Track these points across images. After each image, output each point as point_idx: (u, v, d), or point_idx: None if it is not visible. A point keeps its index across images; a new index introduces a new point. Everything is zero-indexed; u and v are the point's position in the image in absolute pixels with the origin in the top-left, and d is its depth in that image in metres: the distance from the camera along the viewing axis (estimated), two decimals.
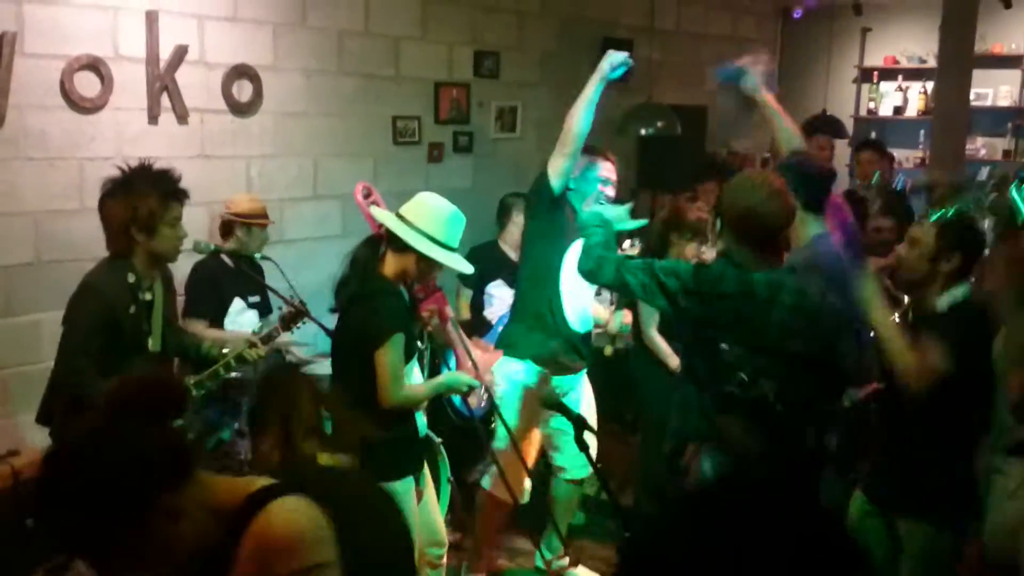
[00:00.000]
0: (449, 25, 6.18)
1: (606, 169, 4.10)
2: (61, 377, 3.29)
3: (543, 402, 2.89)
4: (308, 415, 2.46)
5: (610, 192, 4.09)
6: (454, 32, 6.22)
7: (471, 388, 3.59)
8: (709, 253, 5.19)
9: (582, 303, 4.15)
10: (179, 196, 3.46)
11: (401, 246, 3.27)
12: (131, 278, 3.34)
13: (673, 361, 4.39)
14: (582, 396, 4.27)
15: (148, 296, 3.41)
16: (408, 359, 3.28)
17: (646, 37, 7.21)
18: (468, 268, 3.51)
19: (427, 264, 3.29)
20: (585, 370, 4.28)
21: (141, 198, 3.32)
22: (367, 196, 3.95)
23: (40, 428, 3.47)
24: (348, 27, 5.63)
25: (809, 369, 2.94)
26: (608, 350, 5.11)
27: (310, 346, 4.57)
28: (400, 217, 3.31)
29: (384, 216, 3.37)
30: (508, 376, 4.03)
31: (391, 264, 3.30)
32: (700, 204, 4.87)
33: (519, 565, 4.55)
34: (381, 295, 3.27)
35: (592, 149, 4.11)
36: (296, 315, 3.87)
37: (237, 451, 4.29)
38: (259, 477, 1.77)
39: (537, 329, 4.05)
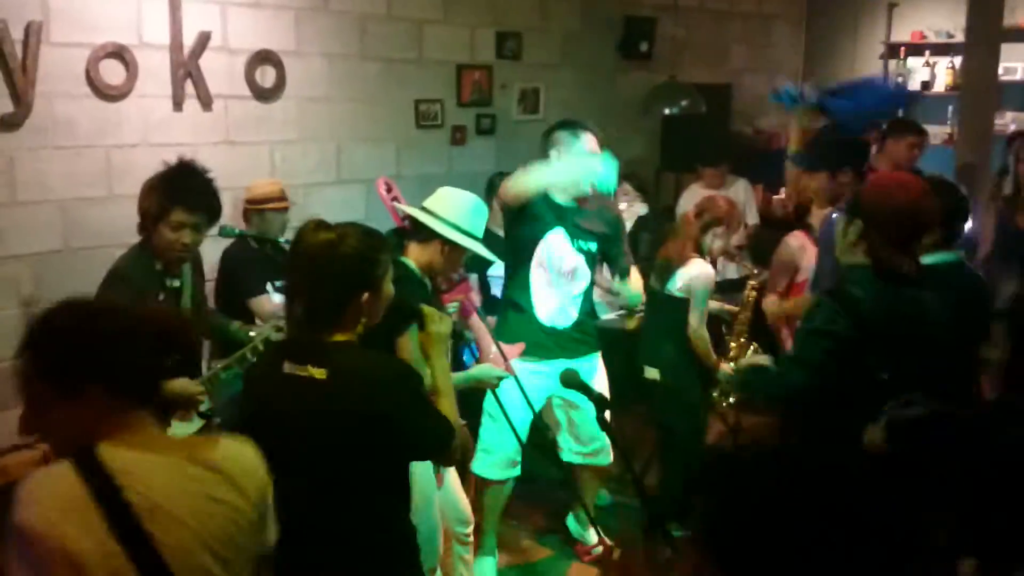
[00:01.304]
0: (471, 7, 6.16)
1: (589, 142, 3.99)
2: None
3: (563, 381, 2.88)
4: None
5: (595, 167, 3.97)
6: (476, 14, 6.21)
7: (500, 380, 3.61)
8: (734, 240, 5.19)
9: (558, 299, 4.07)
10: (188, 203, 3.42)
11: (426, 236, 3.28)
12: (158, 265, 3.37)
13: (712, 359, 4.40)
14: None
15: (176, 283, 3.44)
16: None
17: (670, 15, 7.16)
18: (492, 256, 3.52)
19: (453, 252, 3.30)
20: (586, 357, 4.20)
21: (149, 194, 3.40)
22: (388, 191, 3.96)
23: None
24: (370, 11, 5.64)
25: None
26: (631, 323, 5.09)
27: None
28: (424, 209, 3.33)
29: (409, 209, 3.40)
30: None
31: (416, 255, 3.31)
32: (727, 196, 4.84)
33: (544, 546, 4.58)
34: (403, 282, 3.28)
35: (573, 123, 4.04)
36: None
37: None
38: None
39: (512, 321, 4.06)
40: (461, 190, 3.46)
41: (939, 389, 2.78)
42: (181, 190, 3.41)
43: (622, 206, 4.93)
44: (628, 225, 5.72)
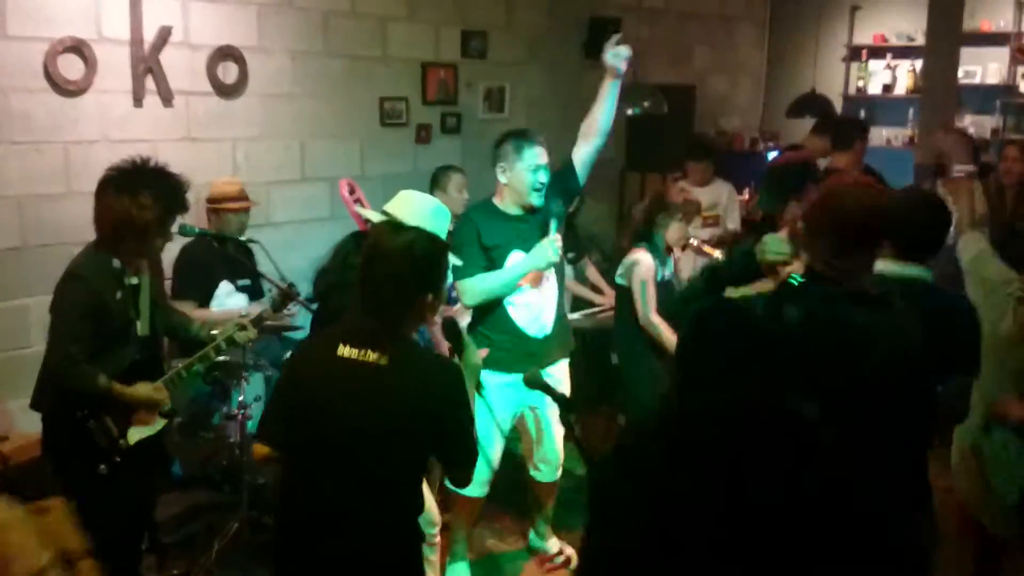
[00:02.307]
0: (436, 5, 6.14)
1: (540, 155, 3.88)
2: (52, 365, 3.28)
3: (526, 381, 2.86)
4: None
5: (543, 178, 3.87)
6: (441, 12, 6.18)
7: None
8: (701, 233, 5.20)
9: (530, 311, 3.98)
10: (182, 211, 3.39)
11: None
12: (116, 263, 3.31)
13: (673, 342, 4.37)
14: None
15: (134, 280, 3.39)
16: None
17: (634, 15, 7.18)
18: (456, 260, 3.49)
19: None
20: (555, 363, 4.13)
21: (143, 208, 3.22)
22: (351, 192, 3.93)
23: (32, 413, 3.46)
24: (334, 7, 5.60)
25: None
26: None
27: (302, 329, 4.58)
28: (385, 213, 3.30)
29: (369, 213, 3.36)
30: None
31: None
32: (683, 184, 4.86)
33: (510, 546, 4.57)
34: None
35: (521, 135, 3.94)
36: (286, 298, 3.86)
37: (227, 434, 4.30)
38: None
39: (489, 339, 3.97)
40: (422, 193, 3.43)
41: (877, 437, 2.46)
42: (177, 200, 3.33)
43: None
44: (590, 222, 5.77)
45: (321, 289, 3.46)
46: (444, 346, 3.77)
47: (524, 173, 3.85)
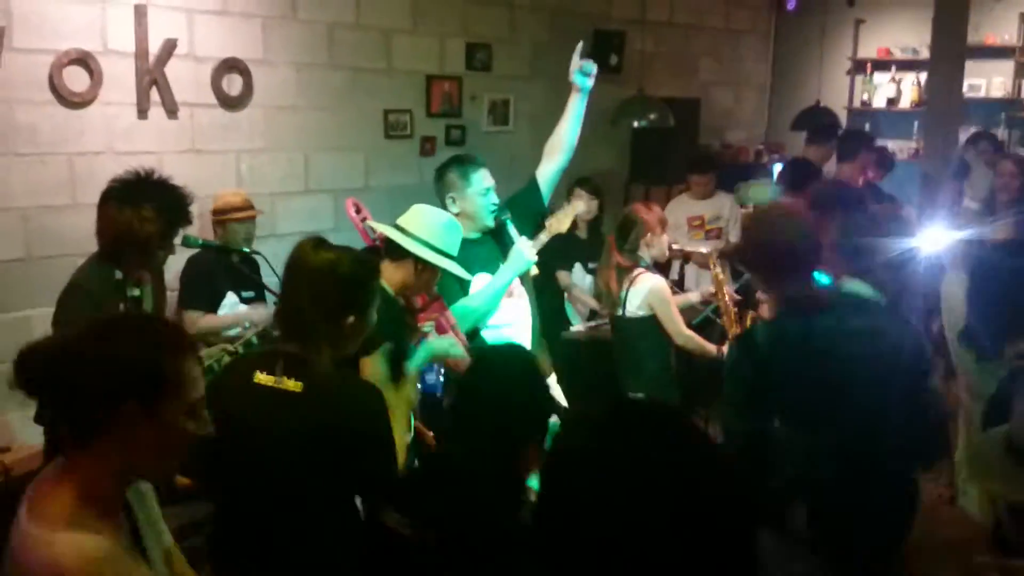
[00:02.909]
0: (440, 17, 6.15)
1: (486, 177, 3.84)
2: None
3: None
4: None
5: (494, 199, 3.84)
6: (445, 24, 6.20)
7: (456, 353, 3.36)
8: (701, 246, 5.17)
9: (512, 331, 3.89)
10: (185, 224, 3.39)
11: (400, 255, 3.23)
12: (118, 275, 3.30)
13: (710, 350, 4.35)
14: None
15: (136, 292, 3.38)
16: (396, 368, 3.23)
17: (638, 29, 7.19)
18: (467, 275, 3.47)
19: (427, 271, 3.25)
20: None
21: (145, 222, 3.21)
22: (358, 212, 3.92)
23: (34, 426, 3.44)
24: (338, 20, 5.61)
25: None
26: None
27: None
28: (397, 227, 3.29)
29: (381, 227, 3.35)
30: None
31: (389, 274, 3.24)
32: (652, 204, 4.81)
33: None
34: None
35: (462, 161, 3.89)
36: None
37: None
38: None
39: None
40: (435, 208, 3.42)
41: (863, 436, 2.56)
42: (181, 213, 3.33)
43: (580, 208, 4.83)
44: (583, 228, 5.75)
45: None
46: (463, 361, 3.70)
47: (475, 197, 3.79)
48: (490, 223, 3.84)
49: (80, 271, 3.35)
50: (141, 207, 3.21)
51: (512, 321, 3.95)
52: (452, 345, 3.34)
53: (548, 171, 3.98)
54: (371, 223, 3.49)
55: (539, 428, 2.33)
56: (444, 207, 3.78)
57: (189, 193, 3.37)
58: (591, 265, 5.48)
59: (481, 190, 3.80)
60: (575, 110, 3.94)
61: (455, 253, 3.31)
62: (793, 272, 2.71)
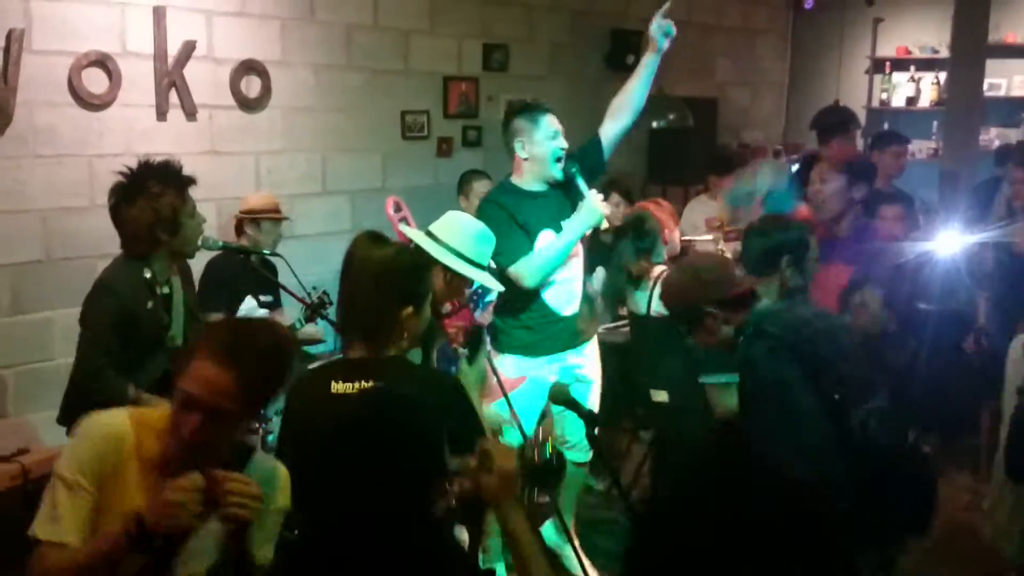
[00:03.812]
0: (458, 18, 6.15)
1: (555, 122, 3.83)
2: (80, 378, 3.28)
3: (552, 397, 2.83)
4: None
5: (563, 143, 3.82)
6: (463, 25, 6.19)
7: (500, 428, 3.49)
8: (723, 247, 5.13)
9: (560, 288, 3.92)
10: (190, 184, 3.42)
11: (429, 261, 3.23)
12: (147, 273, 3.31)
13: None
14: (587, 368, 4.09)
15: (166, 290, 3.39)
16: None
17: None
18: (498, 286, 3.45)
19: (456, 279, 3.22)
20: (586, 343, 4.07)
21: (159, 198, 3.26)
22: (398, 211, 3.91)
23: (54, 426, 3.46)
24: (356, 21, 5.61)
25: None
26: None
27: (325, 343, 4.59)
28: (429, 234, 3.27)
29: (413, 233, 3.34)
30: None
31: None
32: (659, 200, 4.77)
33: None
34: None
35: (529, 107, 3.85)
36: (315, 310, 3.90)
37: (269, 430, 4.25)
38: None
39: (520, 321, 3.90)
40: (469, 216, 3.39)
41: None
42: (179, 177, 3.36)
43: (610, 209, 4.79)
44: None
45: None
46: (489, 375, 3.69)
47: (544, 142, 3.79)
48: (556, 173, 3.81)
49: (108, 271, 3.37)
50: (147, 191, 3.25)
51: (573, 277, 3.96)
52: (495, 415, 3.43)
53: (612, 131, 3.94)
54: (404, 228, 3.47)
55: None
56: (512, 153, 3.83)
57: (176, 159, 3.43)
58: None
59: (550, 133, 3.79)
60: (647, 70, 3.89)
61: (486, 263, 3.29)
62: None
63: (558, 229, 3.84)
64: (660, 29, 3.84)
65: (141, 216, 3.26)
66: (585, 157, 3.91)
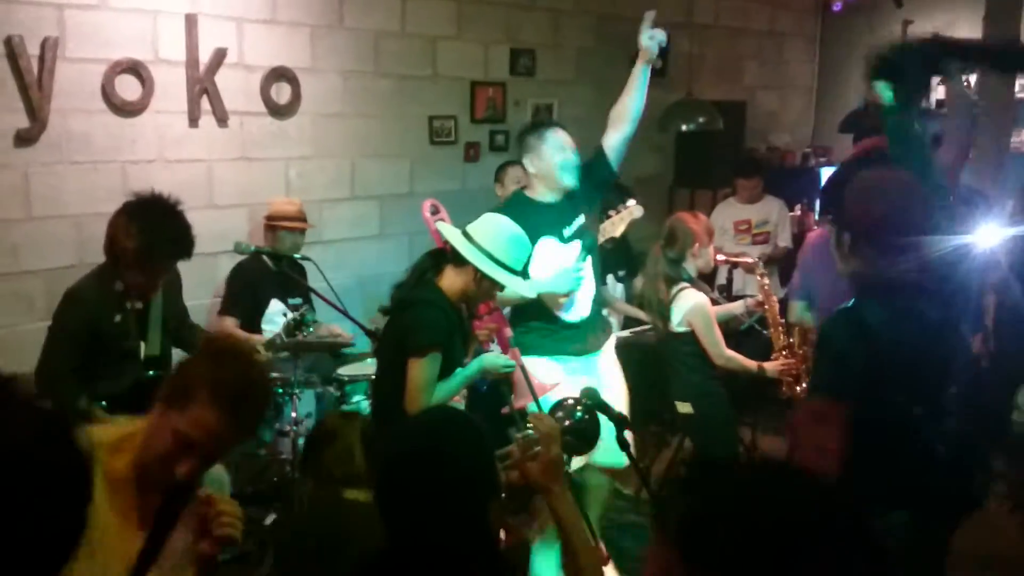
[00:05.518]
0: (485, 24, 6.17)
1: (563, 136, 3.88)
2: (38, 382, 3.27)
3: (584, 397, 2.83)
4: (358, 464, 2.73)
5: (570, 155, 3.85)
6: (490, 31, 6.21)
7: (508, 368, 3.39)
8: (752, 251, 5.09)
9: (573, 298, 3.93)
10: (168, 259, 3.36)
11: (461, 262, 3.23)
12: (118, 286, 3.30)
13: (752, 366, 4.30)
14: (601, 379, 4.02)
15: (138, 305, 3.37)
16: (446, 375, 3.21)
17: (683, 32, 7.15)
18: (529, 292, 3.45)
19: (487, 281, 3.23)
20: (598, 353, 4.06)
21: (129, 236, 3.20)
22: (435, 213, 3.93)
23: None
24: (385, 28, 5.65)
25: None
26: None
27: (353, 345, 4.62)
28: (465, 234, 3.28)
29: (448, 231, 3.34)
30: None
31: (450, 278, 3.25)
32: (699, 213, 4.72)
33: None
34: (425, 305, 3.19)
35: (538, 125, 3.97)
36: (298, 325, 3.98)
37: (279, 451, 4.32)
38: None
39: (538, 329, 3.92)
40: (506, 219, 3.36)
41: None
42: (173, 243, 3.28)
43: (637, 214, 4.74)
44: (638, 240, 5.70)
45: (394, 304, 3.43)
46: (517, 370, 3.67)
47: (551, 153, 3.83)
48: (566, 181, 3.84)
49: (80, 281, 3.37)
50: (132, 223, 3.22)
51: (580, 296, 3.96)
52: (504, 362, 3.37)
53: (614, 140, 3.97)
54: (440, 226, 3.47)
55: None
56: (526, 171, 3.91)
57: (187, 228, 3.29)
58: (620, 273, 5.45)
59: (557, 145, 3.83)
60: (640, 79, 3.92)
61: (518, 268, 3.29)
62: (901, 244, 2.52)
63: (560, 237, 3.87)
64: (653, 39, 3.84)
65: (109, 231, 3.27)
66: (592, 170, 3.96)
